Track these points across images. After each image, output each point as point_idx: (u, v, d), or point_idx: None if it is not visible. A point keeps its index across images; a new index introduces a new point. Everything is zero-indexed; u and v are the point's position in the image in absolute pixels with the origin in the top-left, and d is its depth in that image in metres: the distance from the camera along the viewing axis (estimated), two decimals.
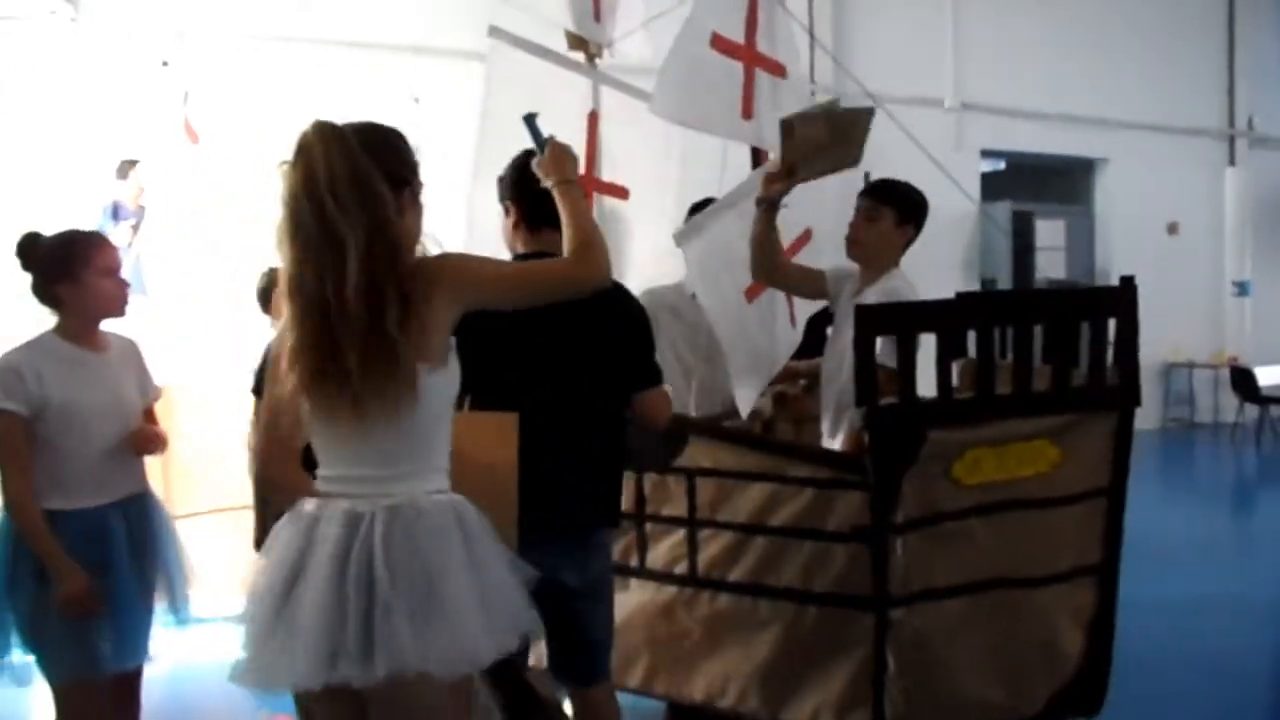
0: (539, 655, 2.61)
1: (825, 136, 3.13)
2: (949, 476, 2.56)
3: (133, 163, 5.58)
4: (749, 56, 3.52)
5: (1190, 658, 4.12)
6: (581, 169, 3.84)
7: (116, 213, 5.26)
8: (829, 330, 3.38)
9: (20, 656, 2.48)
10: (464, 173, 3.39)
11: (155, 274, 5.34)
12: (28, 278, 2.52)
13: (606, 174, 3.88)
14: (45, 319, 2.54)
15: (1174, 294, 9.91)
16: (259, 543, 3.18)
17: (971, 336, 2.84)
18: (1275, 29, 11.28)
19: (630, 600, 3.00)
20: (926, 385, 2.63)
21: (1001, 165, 10.71)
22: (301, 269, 1.71)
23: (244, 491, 3.60)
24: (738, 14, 3.50)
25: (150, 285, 5.14)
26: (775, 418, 3.91)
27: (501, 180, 2.52)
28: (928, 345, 2.65)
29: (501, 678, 2.27)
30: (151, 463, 2.73)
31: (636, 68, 3.99)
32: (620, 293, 2.51)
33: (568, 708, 2.68)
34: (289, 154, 1.73)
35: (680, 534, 2.93)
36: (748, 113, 3.46)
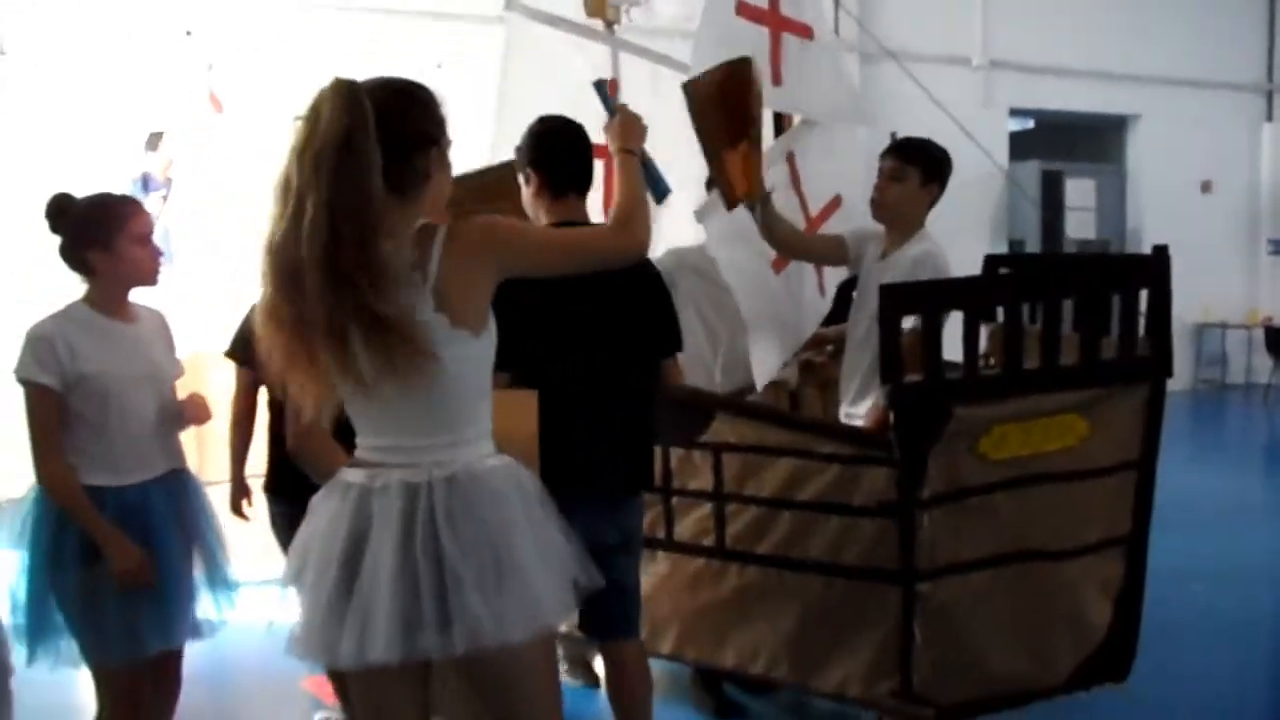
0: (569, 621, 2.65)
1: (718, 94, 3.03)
2: (975, 452, 2.55)
3: (161, 134, 5.62)
4: (774, 21, 3.47)
5: (1219, 623, 4.10)
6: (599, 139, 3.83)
7: (146, 184, 5.31)
8: (854, 295, 3.37)
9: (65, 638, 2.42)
10: (488, 139, 3.39)
11: (184, 244, 5.39)
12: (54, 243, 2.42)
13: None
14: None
15: (1207, 254, 9.75)
16: (269, 485, 3.22)
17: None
18: None
19: (659, 571, 3.04)
20: (954, 348, 2.61)
21: (1030, 124, 10.54)
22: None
23: None
24: None
25: (179, 255, 5.20)
26: (802, 385, 3.91)
27: (519, 149, 2.50)
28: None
29: None
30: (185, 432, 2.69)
31: (661, 29, 3.96)
32: (643, 261, 2.52)
33: (597, 668, 2.72)
34: (303, 110, 1.68)
35: (707, 507, 2.95)
36: (777, 79, 3.42)
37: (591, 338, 2.38)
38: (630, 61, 3.74)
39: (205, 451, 3.45)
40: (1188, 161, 10.17)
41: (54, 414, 2.33)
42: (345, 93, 1.65)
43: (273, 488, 3.31)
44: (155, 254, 2.48)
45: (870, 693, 2.74)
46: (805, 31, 3.62)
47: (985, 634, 2.66)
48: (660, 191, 2.39)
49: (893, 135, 4.00)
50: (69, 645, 2.41)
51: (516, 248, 1.83)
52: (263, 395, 3.32)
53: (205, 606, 2.59)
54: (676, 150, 3.71)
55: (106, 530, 2.33)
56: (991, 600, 2.65)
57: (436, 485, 1.71)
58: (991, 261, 3.66)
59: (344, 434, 2.65)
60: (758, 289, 3.35)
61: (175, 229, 5.43)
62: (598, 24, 3.68)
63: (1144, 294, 2.76)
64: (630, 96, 3.88)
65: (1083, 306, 2.71)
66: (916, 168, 3.11)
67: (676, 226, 3.72)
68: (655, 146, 3.76)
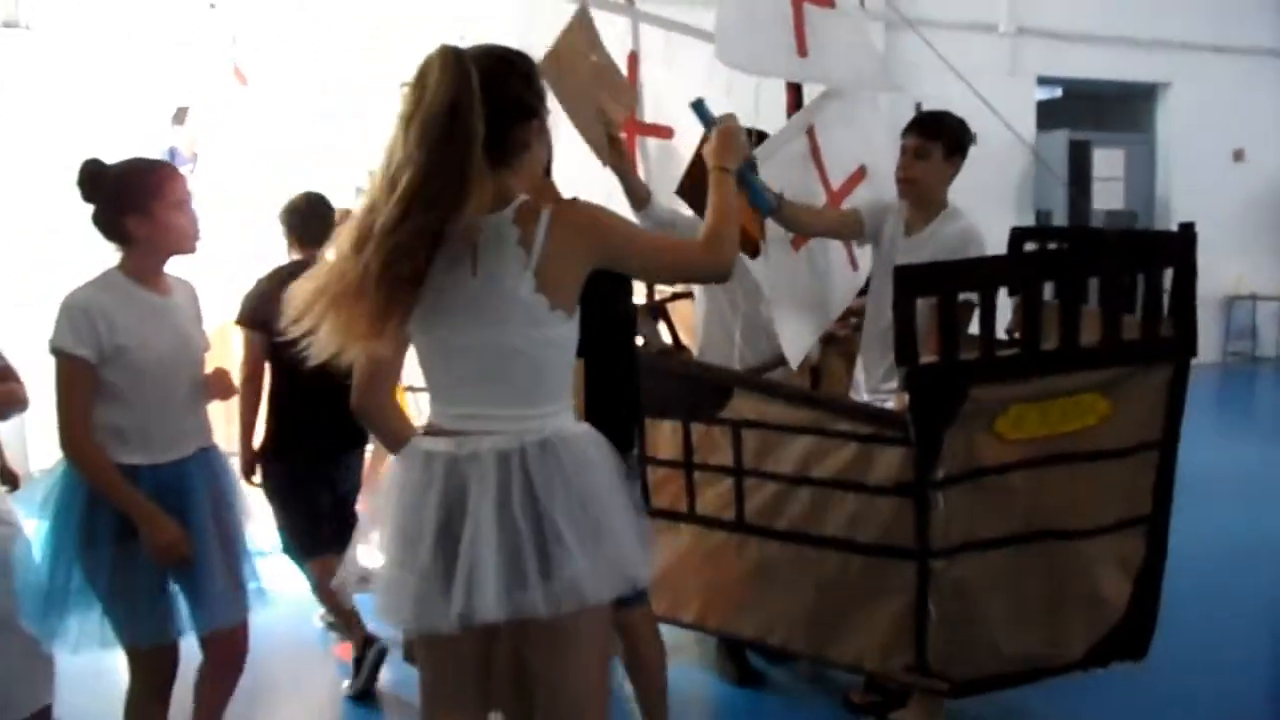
0: None
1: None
2: (992, 432, 2.55)
3: (187, 109, 5.65)
4: None
5: (1242, 600, 4.08)
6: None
7: (173, 158, 5.33)
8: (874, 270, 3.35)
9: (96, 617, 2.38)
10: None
11: (210, 216, 5.42)
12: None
13: (650, 115, 3.85)
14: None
15: (1239, 225, 9.61)
16: (273, 448, 3.24)
17: None
18: None
19: (682, 543, 3.07)
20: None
21: (1059, 93, 10.38)
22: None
23: None
24: None
25: (204, 227, 5.23)
26: (825, 358, 3.90)
27: None
28: None
29: None
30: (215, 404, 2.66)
31: None
32: None
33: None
34: (410, 77, 1.70)
35: (728, 482, 2.97)
36: (802, 50, 3.39)
37: None
38: (647, 31, 3.72)
39: (233, 422, 3.49)
40: (1219, 130, 9.99)
41: (86, 387, 2.27)
42: (451, 60, 1.66)
43: (275, 450, 3.34)
44: (194, 220, 2.41)
45: (885, 666, 2.78)
46: (825, 0, 3.58)
47: (1000, 611, 2.67)
48: (764, 205, 2.41)
49: (918, 105, 3.97)
50: (94, 625, 2.36)
51: (617, 245, 1.85)
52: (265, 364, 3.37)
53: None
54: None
55: (142, 504, 2.29)
56: (1007, 578, 2.65)
57: (530, 450, 1.74)
58: (1017, 236, 3.63)
59: (346, 424, 2.70)
60: (777, 267, 3.34)
61: (201, 202, 5.46)
62: None
63: (1169, 272, 2.72)
64: (653, 69, 3.87)
65: (1106, 285, 2.68)
66: (940, 143, 3.11)
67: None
68: (679, 120, 3.77)
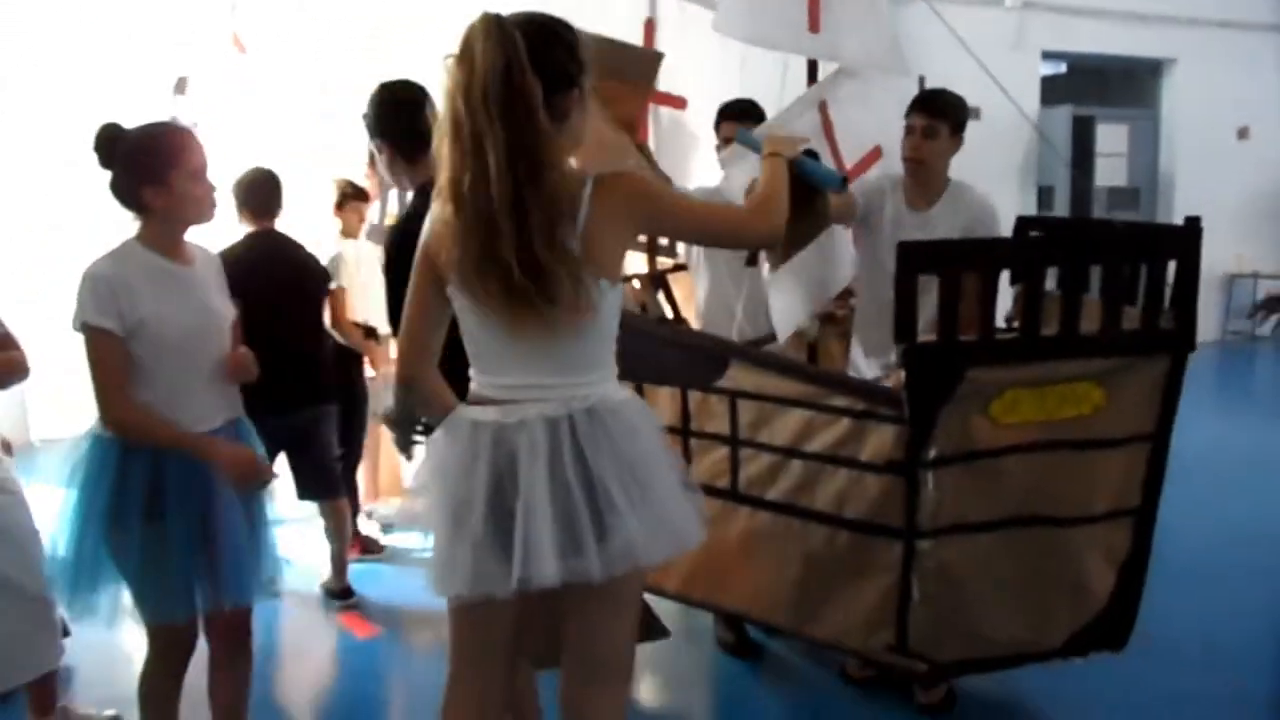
0: None
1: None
2: (986, 414, 2.54)
3: (188, 78, 5.61)
4: None
5: (1238, 580, 4.09)
6: None
7: None
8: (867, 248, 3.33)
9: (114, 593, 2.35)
10: None
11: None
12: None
13: (665, 83, 3.83)
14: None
15: (1241, 202, 9.58)
16: (261, 403, 3.26)
17: None
18: None
19: None
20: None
21: (1062, 68, 10.31)
22: (459, 173, 1.70)
23: None
24: None
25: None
26: (822, 336, 3.90)
27: (365, 118, 2.47)
28: None
29: None
30: None
31: None
32: None
33: None
34: (455, 47, 1.69)
35: (722, 451, 2.97)
36: (815, 26, 3.37)
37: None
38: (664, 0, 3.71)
39: None
40: (1224, 108, 9.93)
41: (118, 357, 2.21)
42: (496, 27, 1.66)
43: (266, 405, 3.31)
44: (210, 189, 2.34)
45: (866, 645, 2.78)
46: None
47: (983, 595, 2.68)
48: (830, 182, 2.42)
49: (921, 80, 3.95)
50: (115, 601, 2.35)
51: (662, 211, 1.86)
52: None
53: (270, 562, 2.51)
54: (720, 85, 3.65)
55: (209, 443, 2.27)
56: (992, 563, 2.66)
57: (578, 417, 1.76)
58: (1022, 224, 3.62)
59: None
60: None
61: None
62: None
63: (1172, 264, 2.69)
64: (669, 37, 3.85)
65: (1109, 274, 2.66)
66: (946, 121, 3.14)
67: (704, 168, 3.71)
68: (695, 91, 3.74)
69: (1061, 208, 9.53)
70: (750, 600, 2.99)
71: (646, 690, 3.29)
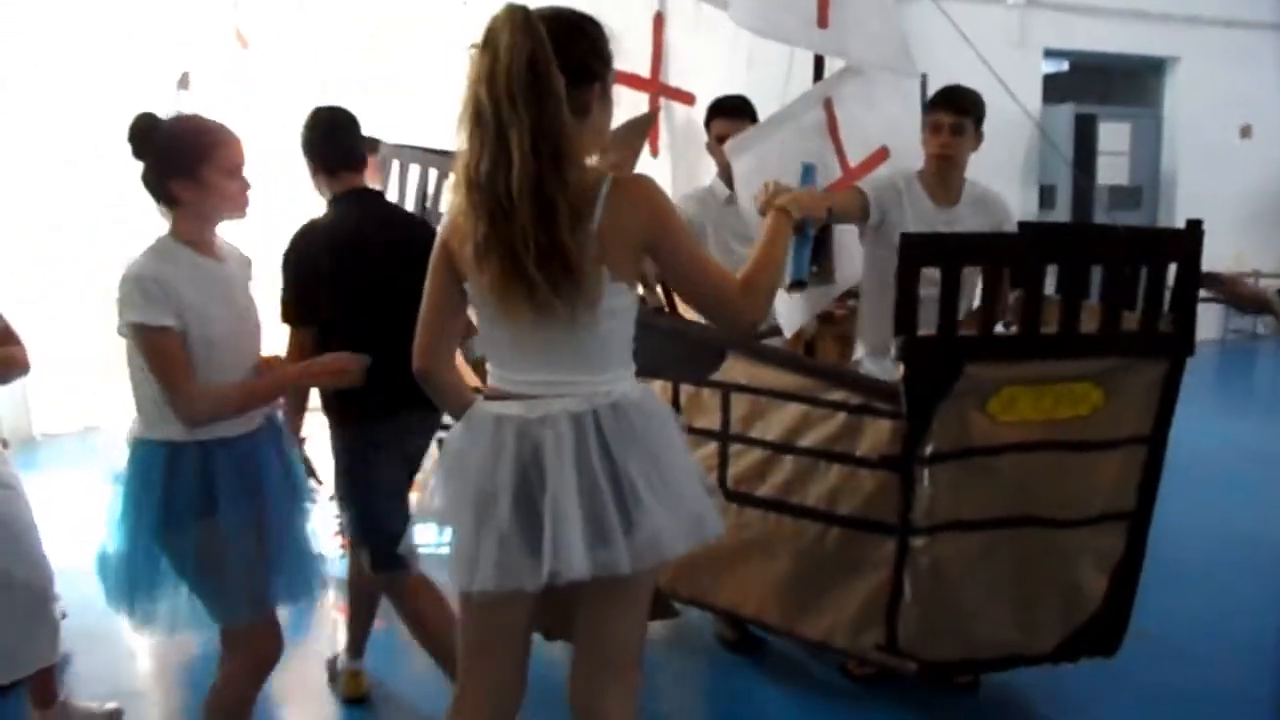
0: None
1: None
2: (984, 411, 2.53)
3: (190, 73, 5.62)
4: None
5: (1235, 584, 4.07)
6: (647, 73, 3.81)
7: None
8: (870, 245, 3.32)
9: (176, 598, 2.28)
10: None
11: None
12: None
13: (674, 79, 3.83)
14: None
15: (1244, 201, 9.57)
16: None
17: None
18: None
19: None
20: None
21: (1064, 66, 10.30)
22: (477, 159, 1.69)
23: None
24: None
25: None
26: (819, 336, 3.90)
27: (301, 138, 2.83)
28: None
29: None
30: None
31: None
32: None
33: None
34: (478, 37, 1.69)
35: (713, 446, 2.96)
36: (824, 21, 3.37)
37: (384, 297, 2.56)
38: None
39: None
40: (1227, 105, 9.92)
41: (180, 353, 2.13)
42: (521, 18, 1.66)
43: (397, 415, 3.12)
44: (245, 186, 2.26)
45: (855, 644, 2.78)
46: None
47: (975, 596, 2.67)
48: (794, 272, 2.47)
49: (924, 78, 3.93)
50: (185, 605, 2.28)
51: (667, 234, 1.81)
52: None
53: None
54: (727, 82, 3.64)
55: (294, 369, 2.39)
56: (985, 563, 2.64)
57: (602, 411, 1.77)
58: (1024, 230, 3.61)
59: (341, 398, 2.69)
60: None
61: None
62: None
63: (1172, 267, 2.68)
64: (678, 33, 3.84)
65: (1109, 276, 2.65)
66: (971, 118, 3.15)
67: (707, 164, 3.71)
68: (703, 87, 3.74)
69: (1063, 206, 9.52)
70: (739, 599, 2.99)
71: (647, 686, 3.28)
